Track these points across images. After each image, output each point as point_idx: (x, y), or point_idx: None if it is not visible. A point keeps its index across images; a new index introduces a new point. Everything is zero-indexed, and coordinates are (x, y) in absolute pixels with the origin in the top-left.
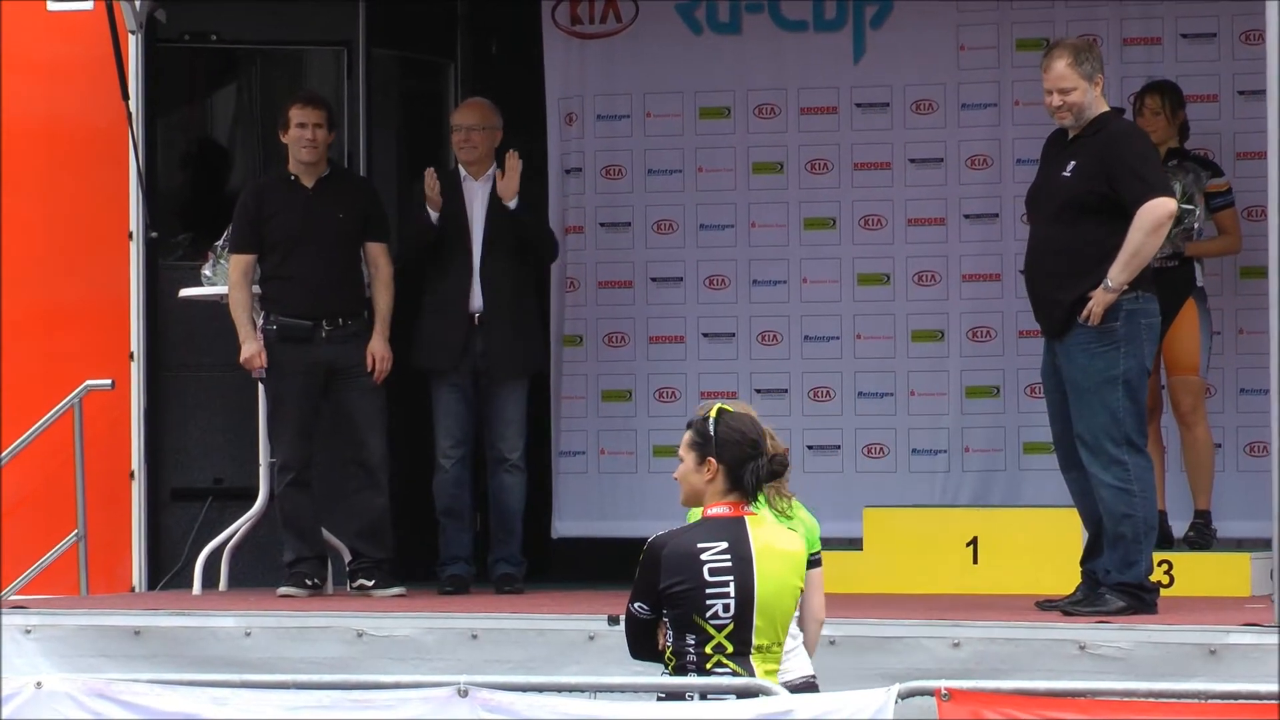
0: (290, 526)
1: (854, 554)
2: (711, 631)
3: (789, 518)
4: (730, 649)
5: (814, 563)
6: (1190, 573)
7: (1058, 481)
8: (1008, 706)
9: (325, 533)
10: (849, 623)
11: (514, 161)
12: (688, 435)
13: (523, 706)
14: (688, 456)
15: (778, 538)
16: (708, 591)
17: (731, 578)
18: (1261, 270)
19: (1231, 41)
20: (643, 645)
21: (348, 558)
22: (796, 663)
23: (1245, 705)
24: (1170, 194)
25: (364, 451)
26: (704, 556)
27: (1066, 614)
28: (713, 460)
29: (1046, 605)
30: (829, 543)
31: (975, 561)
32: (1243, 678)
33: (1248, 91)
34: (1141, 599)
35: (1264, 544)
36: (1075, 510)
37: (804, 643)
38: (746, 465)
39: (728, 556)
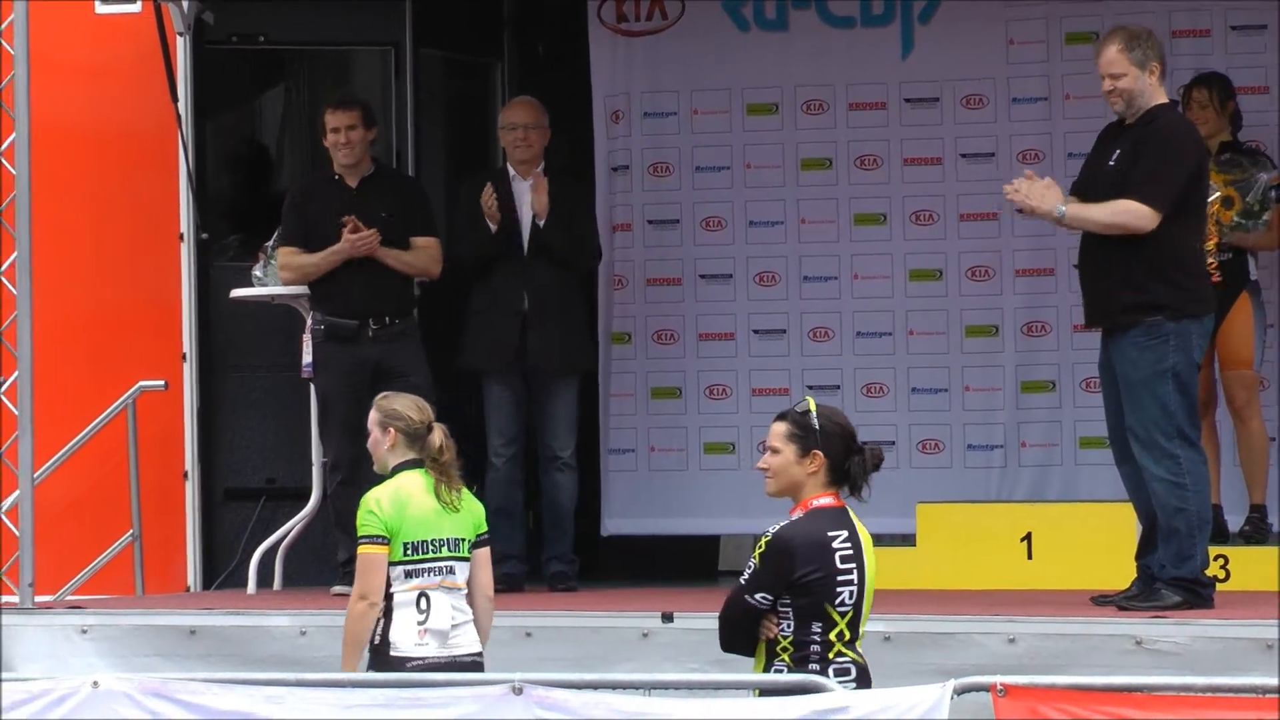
0: (343, 525)
1: (908, 550)
2: (836, 619)
3: (457, 510)
4: (848, 636)
5: (483, 543)
6: (1246, 567)
7: (1115, 476)
8: (1064, 702)
9: None
10: (904, 619)
11: (542, 180)
12: (783, 427)
13: (577, 704)
14: (787, 448)
15: (865, 529)
16: (838, 579)
17: (854, 565)
18: None
19: None
20: (746, 637)
21: None
22: (467, 638)
23: None
24: (1161, 212)
25: None
26: (834, 545)
27: (1122, 609)
28: (819, 452)
29: (1102, 600)
30: (883, 539)
31: (1029, 557)
32: None
33: None
34: (1197, 593)
35: None
36: (1130, 505)
37: (475, 621)
38: (851, 458)
39: (850, 545)
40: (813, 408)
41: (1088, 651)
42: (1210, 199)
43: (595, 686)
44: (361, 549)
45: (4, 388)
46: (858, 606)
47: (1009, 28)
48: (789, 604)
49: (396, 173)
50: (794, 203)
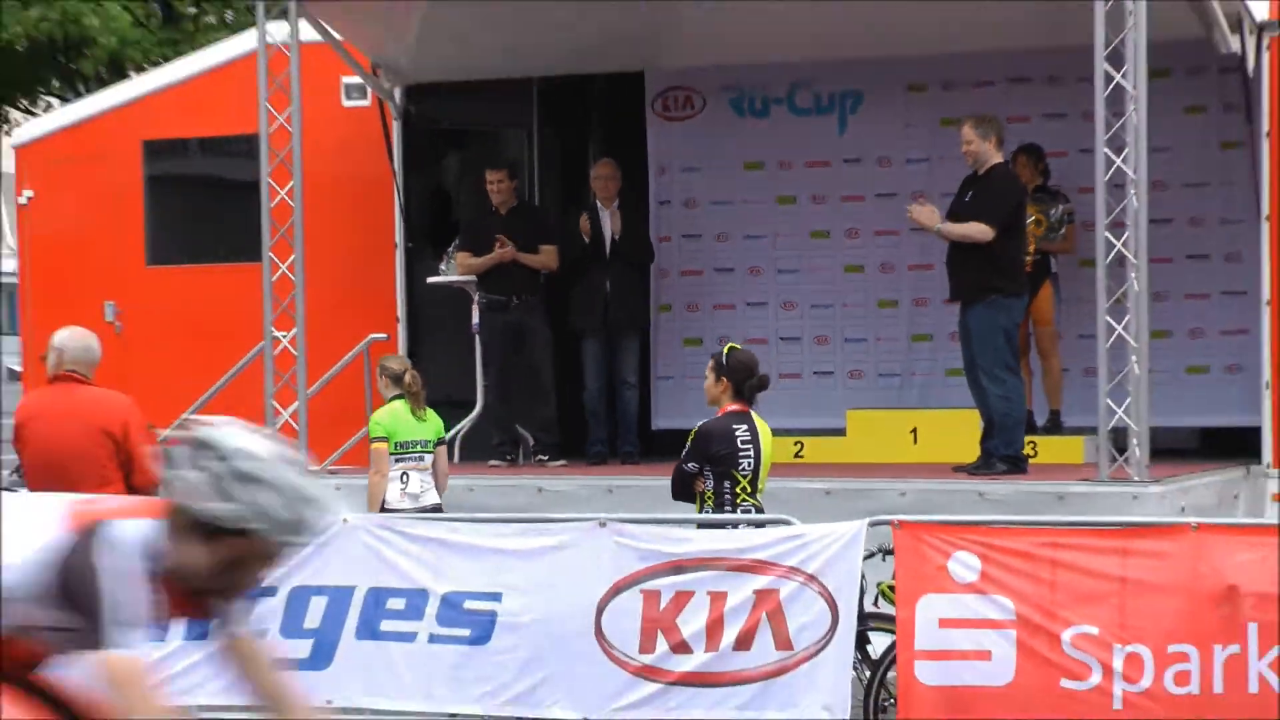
0: (495, 423)
1: (841, 439)
2: (740, 478)
3: (423, 420)
4: (750, 490)
5: (441, 444)
6: (1047, 449)
7: (968, 393)
8: (937, 532)
9: (518, 427)
10: (838, 481)
11: (616, 214)
12: (711, 363)
13: (641, 533)
14: (710, 376)
15: (764, 424)
16: (739, 454)
17: (751, 445)
18: (1092, 261)
19: (1076, 119)
20: (686, 491)
21: (531, 442)
22: (429, 497)
23: (1082, 530)
24: (994, 228)
25: (540, 379)
26: (736, 432)
27: (971, 474)
28: (725, 379)
29: (959, 469)
30: (825, 431)
31: (915, 443)
32: (1080, 514)
33: (1086, 149)
34: (1018, 465)
35: (1091, 430)
36: (977, 410)
37: (436, 486)
38: (745, 382)
39: (749, 434)
40: (726, 350)
41: (950, 501)
42: (1027, 221)
43: (652, 522)
44: (374, 445)
45: (289, 338)
46: (755, 471)
47: (906, 114)
48: (710, 470)
49: (530, 205)
50: (772, 223)
